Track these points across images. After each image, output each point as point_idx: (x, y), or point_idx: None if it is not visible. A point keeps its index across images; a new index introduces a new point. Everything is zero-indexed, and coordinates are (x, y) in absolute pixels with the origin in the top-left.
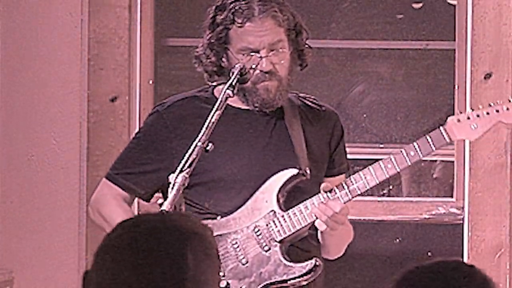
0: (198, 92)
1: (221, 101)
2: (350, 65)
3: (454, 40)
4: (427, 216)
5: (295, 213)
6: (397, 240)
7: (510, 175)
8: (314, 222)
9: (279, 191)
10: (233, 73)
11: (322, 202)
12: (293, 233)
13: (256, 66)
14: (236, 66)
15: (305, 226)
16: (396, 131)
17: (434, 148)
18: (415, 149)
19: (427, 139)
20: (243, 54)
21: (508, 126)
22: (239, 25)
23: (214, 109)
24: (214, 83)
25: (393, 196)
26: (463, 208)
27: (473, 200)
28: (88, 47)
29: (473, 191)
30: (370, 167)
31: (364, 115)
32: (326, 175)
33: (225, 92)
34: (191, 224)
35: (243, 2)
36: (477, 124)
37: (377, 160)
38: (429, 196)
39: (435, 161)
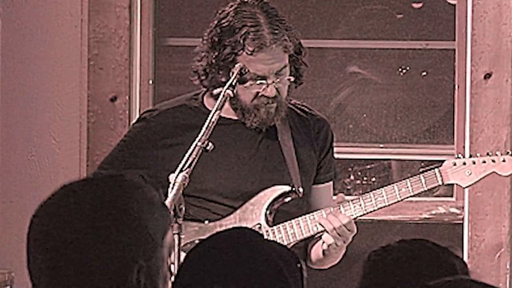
0: (188, 101)
1: (220, 101)
2: (349, 64)
3: (454, 40)
4: (427, 216)
5: (279, 230)
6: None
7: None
8: (297, 242)
9: (268, 206)
10: (232, 73)
11: (331, 212)
12: None
13: (262, 91)
14: (236, 66)
15: (288, 244)
16: (396, 131)
17: (426, 188)
18: (407, 186)
19: (420, 179)
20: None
21: (503, 177)
22: (250, 53)
23: (214, 109)
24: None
25: None
26: (463, 208)
27: (473, 200)
28: (88, 47)
29: (473, 191)
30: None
31: (364, 115)
32: (313, 183)
33: (225, 92)
34: (135, 180)
35: (253, 29)
36: (471, 171)
37: (376, 160)
38: (429, 196)
39: (435, 161)
